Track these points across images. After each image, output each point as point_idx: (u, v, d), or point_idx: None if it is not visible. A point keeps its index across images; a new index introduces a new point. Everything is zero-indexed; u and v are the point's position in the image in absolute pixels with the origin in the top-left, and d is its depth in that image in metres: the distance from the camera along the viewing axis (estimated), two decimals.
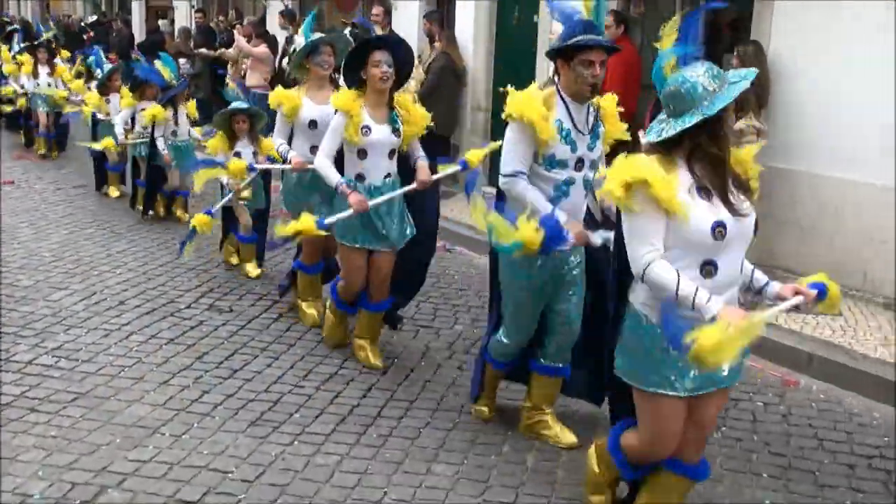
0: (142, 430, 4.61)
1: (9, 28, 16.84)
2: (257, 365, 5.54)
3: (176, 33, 17.48)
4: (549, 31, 9.10)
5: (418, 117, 5.33)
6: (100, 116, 10.48)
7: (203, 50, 15.14)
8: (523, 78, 9.93)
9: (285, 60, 12.52)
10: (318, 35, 6.15)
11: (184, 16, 19.16)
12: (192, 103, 9.43)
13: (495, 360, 4.70)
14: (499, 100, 10.63)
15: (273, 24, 14.23)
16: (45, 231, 8.71)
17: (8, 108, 13.87)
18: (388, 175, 5.31)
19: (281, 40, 13.33)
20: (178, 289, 7.00)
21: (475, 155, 5.46)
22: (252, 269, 7.43)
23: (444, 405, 5.07)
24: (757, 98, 6.75)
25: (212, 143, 7.21)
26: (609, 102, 4.35)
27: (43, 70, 12.81)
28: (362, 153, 5.20)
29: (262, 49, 13.03)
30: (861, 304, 6.66)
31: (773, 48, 7.14)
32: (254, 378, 5.34)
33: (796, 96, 7.03)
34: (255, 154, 7.11)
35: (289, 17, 13.21)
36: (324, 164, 5.27)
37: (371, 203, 5.13)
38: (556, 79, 4.24)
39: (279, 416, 4.84)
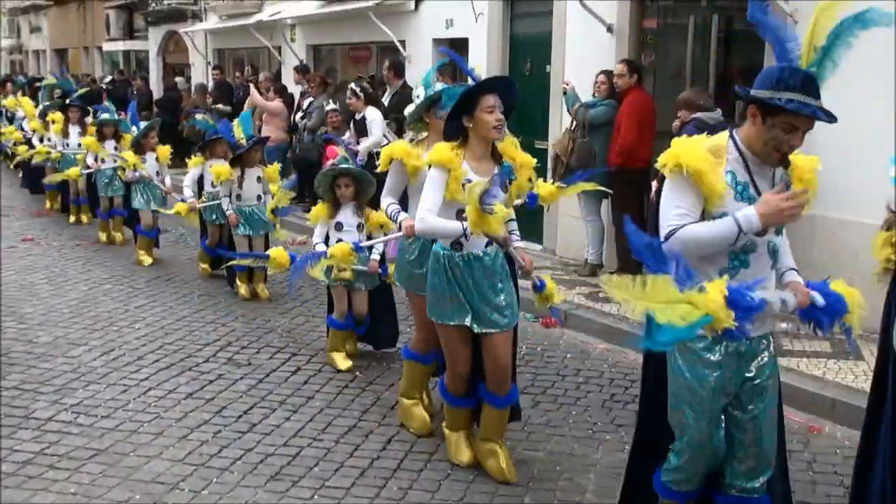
0: (161, 486, 4.59)
1: (38, 85, 16.79)
2: (276, 419, 5.52)
3: (193, 89, 17.76)
4: (562, 80, 9.17)
5: (526, 164, 4.63)
6: (128, 175, 9.73)
7: (220, 105, 15.38)
8: (536, 127, 10.11)
9: (299, 115, 12.72)
10: (440, 86, 5.28)
11: (200, 72, 19.49)
12: (276, 167, 8.39)
13: (673, 491, 3.57)
14: None
15: (288, 79, 14.44)
16: (64, 287, 8.77)
17: (24, 151, 13.06)
18: (489, 243, 4.51)
19: (296, 95, 13.53)
20: (197, 343, 7.01)
21: (547, 190, 5.14)
22: (342, 360, 6.44)
23: None
24: None
25: (314, 211, 6.41)
26: (803, 160, 3.41)
27: (74, 130, 11.81)
28: (462, 212, 4.32)
29: (276, 103, 13.24)
30: None
31: None
32: (272, 432, 5.32)
33: (809, 142, 7.03)
34: (359, 227, 6.28)
35: (303, 72, 13.43)
36: (433, 220, 4.41)
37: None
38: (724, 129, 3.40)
39: (298, 471, 4.81)
